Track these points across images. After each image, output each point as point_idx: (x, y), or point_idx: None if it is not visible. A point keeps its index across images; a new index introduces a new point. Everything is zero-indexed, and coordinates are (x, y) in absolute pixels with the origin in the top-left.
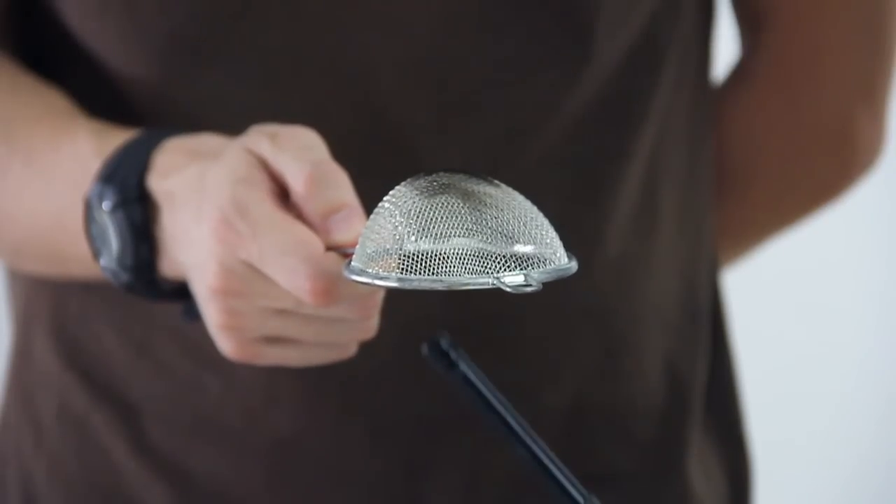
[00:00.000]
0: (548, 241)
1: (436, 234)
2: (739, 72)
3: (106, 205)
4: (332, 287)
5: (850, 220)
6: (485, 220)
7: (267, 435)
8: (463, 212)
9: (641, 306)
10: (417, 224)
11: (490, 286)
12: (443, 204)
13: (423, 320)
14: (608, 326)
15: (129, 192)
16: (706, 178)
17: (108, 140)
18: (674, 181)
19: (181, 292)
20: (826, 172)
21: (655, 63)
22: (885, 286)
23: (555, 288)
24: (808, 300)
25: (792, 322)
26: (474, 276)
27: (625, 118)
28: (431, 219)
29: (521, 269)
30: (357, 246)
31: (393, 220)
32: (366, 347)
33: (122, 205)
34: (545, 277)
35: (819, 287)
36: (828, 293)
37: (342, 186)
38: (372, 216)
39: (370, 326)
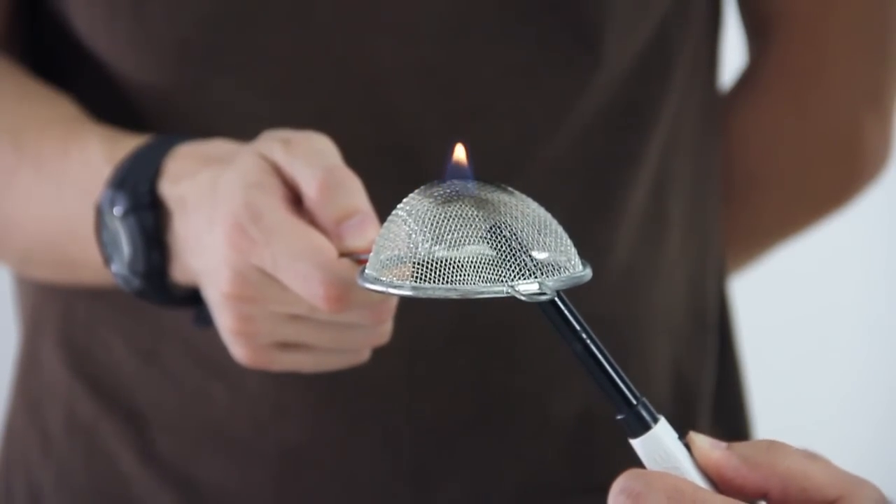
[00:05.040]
0: (562, 248)
1: (449, 242)
2: (747, 78)
3: (117, 210)
4: (345, 293)
5: (859, 228)
6: (498, 227)
7: (275, 444)
8: (477, 219)
9: (649, 313)
10: (431, 232)
11: (504, 295)
12: (456, 211)
13: (433, 328)
14: (616, 333)
15: (140, 197)
16: (714, 184)
17: (119, 146)
18: (682, 188)
19: (193, 298)
20: (833, 179)
21: (665, 69)
22: (892, 294)
23: (564, 295)
24: (817, 308)
25: (800, 330)
26: (488, 284)
27: (634, 124)
28: (445, 226)
29: (536, 277)
30: (371, 253)
31: (406, 228)
32: (374, 357)
33: (133, 210)
34: (560, 285)
35: (827, 295)
36: (837, 301)
37: (355, 192)
38: (385, 223)
39: (384, 332)
